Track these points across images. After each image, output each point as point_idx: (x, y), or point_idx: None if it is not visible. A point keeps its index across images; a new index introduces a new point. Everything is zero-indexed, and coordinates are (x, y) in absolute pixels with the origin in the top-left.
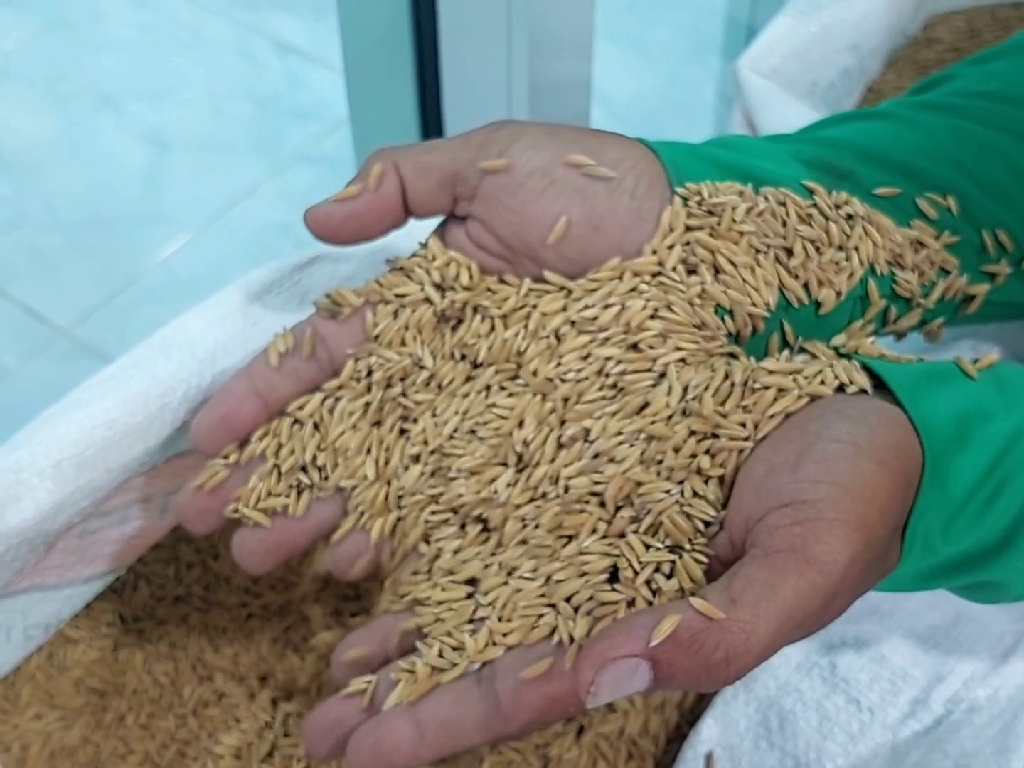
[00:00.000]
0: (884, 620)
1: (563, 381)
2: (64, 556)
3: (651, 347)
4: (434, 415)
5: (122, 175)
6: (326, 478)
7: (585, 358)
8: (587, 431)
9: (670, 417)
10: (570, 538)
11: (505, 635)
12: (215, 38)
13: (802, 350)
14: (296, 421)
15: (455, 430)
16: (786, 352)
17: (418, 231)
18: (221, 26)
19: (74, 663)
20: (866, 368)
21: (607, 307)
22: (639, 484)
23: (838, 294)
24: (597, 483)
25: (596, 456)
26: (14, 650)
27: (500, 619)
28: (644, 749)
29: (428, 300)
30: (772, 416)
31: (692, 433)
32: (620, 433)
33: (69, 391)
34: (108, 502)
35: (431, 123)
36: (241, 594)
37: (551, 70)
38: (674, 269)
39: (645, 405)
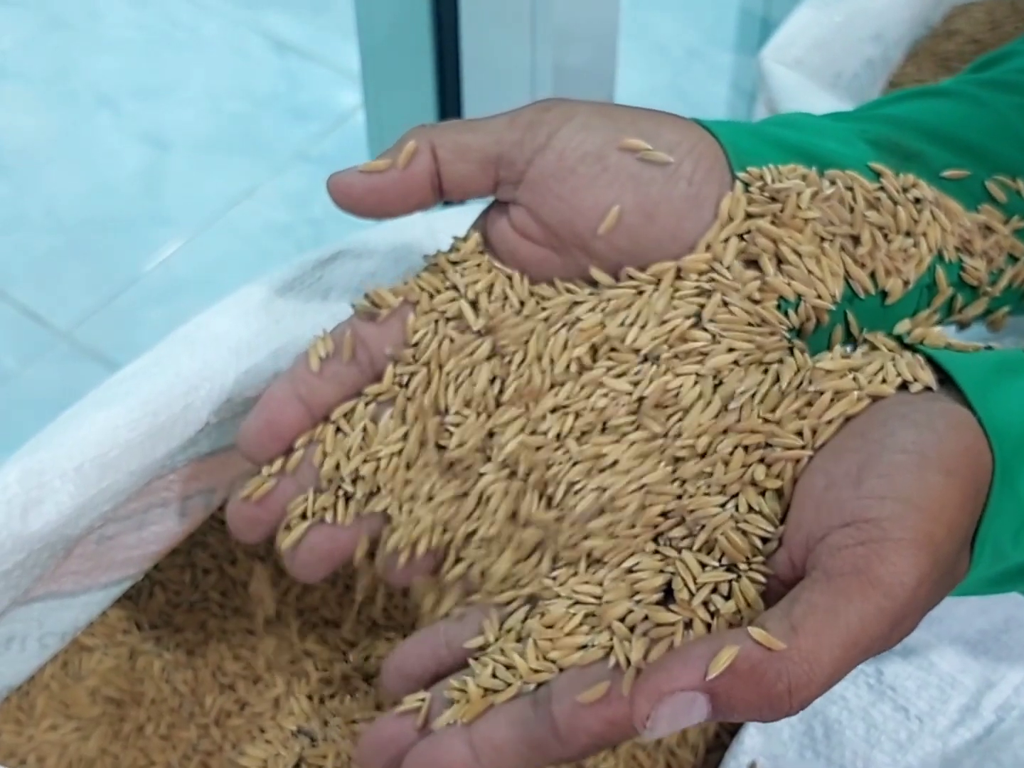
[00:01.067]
0: (932, 626)
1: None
2: (81, 562)
3: (702, 353)
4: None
5: (121, 175)
6: (372, 493)
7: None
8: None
9: (721, 429)
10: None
11: (556, 657)
12: (213, 37)
13: (864, 341)
14: (339, 430)
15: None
16: (845, 348)
17: (442, 232)
18: (219, 25)
19: (90, 672)
20: (931, 360)
21: (643, 326)
22: (681, 498)
23: (906, 283)
24: (644, 505)
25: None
26: (29, 659)
27: (551, 640)
28: (683, 760)
29: (463, 316)
30: (830, 422)
31: (743, 445)
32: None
33: (69, 393)
34: (126, 506)
35: (450, 108)
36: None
37: (575, 60)
38: (729, 267)
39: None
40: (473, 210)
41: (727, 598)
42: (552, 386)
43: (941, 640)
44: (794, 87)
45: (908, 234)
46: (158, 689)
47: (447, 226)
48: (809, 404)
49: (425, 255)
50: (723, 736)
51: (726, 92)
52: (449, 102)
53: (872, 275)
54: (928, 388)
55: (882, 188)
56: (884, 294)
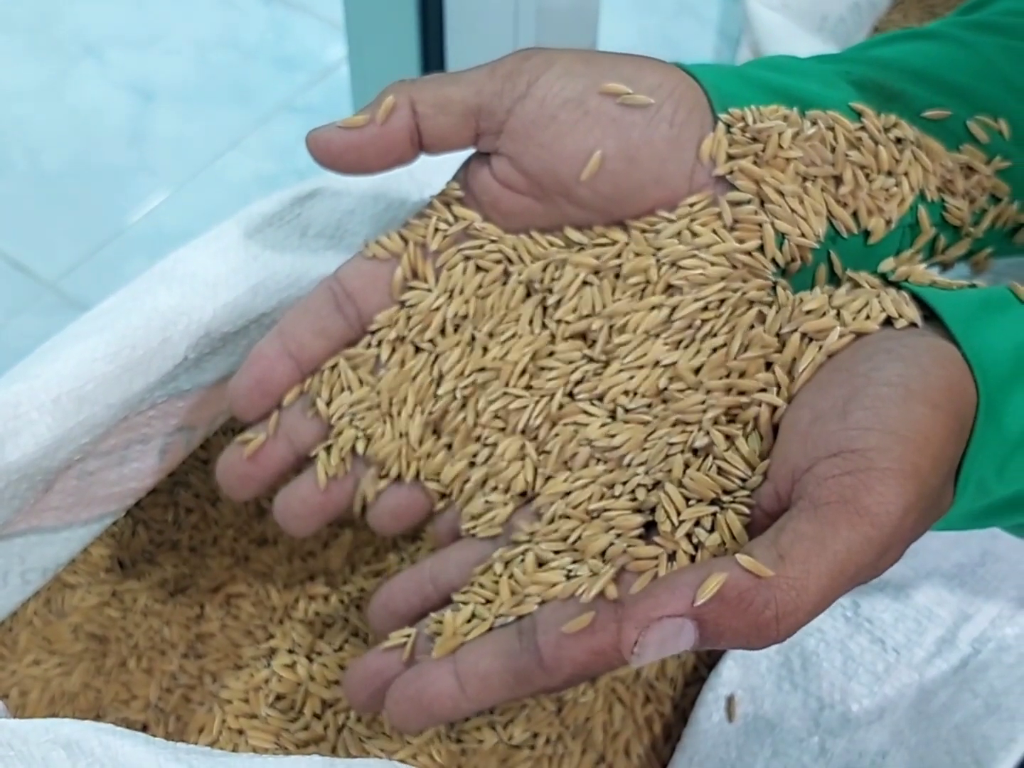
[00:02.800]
0: (909, 559)
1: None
2: (62, 498)
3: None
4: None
5: (106, 125)
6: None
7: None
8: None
9: (697, 372)
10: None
11: (536, 591)
12: None
13: (848, 279)
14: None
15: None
16: (828, 287)
17: (420, 172)
18: None
19: (72, 609)
20: (916, 297)
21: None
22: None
23: (888, 222)
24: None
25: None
26: (11, 595)
27: (532, 573)
28: (662, 692)
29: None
30: (812, 360)
31: (725, 388)
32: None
33: None
34: (106, 442)
35: (432, 57)
36: (244, 541)
37: (559, 5)
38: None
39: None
40: (457, 158)
41: (711, 531)
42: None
43: (918, 573)
44: (779, 29)
45: (890, 174)
46: (139, 626)
47: (425, 166)
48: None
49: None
50: (701, 669)
51: (713, 39)
52: (432, 52)
53: (855, 215)
54: (913, 324)
55: (863, 128)
56: (867, 234)
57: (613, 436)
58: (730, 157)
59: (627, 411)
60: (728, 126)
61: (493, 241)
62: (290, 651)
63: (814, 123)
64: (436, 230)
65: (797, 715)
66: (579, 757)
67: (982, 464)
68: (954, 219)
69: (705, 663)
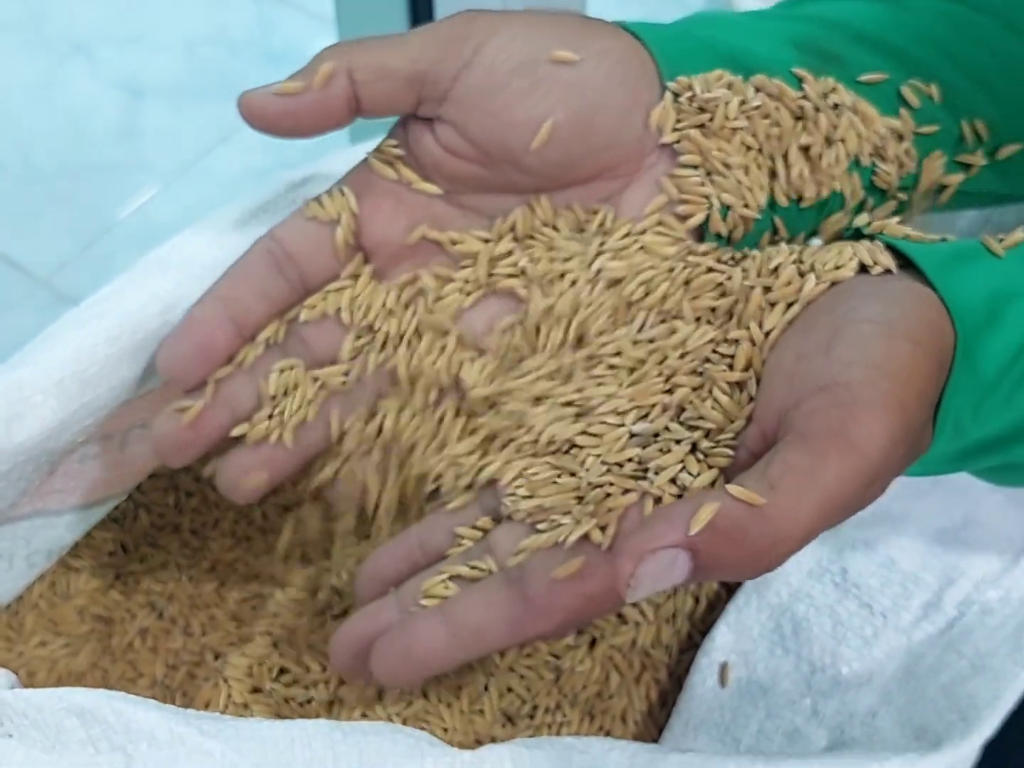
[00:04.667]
0: (895, 524)
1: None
2: (65, 481)
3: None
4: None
5: (96, 122)
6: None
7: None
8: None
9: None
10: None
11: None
12: None
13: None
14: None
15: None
16: (794, 246)
17: None
18: None
19: (77, 591)
20: (891, 248)
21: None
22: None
23: (822, 187)
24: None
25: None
26: (16, 578)
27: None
28: (657, 660)
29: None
30: (790, 305)
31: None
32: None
33: None
34: (109, 425)
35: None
36: (244, 523)
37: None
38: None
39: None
40: None
41: (696, 476)
42: None
43: (902, 538)
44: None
45: (828, 142)
46: (143, 606)
47: None
48: (768, 289)
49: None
50: (695, 636)
51: None
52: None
53: (793, 184)
54: (888, 271)
55: (805, 96)
56: (800, 198)
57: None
58: (677, 127)
59: (611, 367)
60: (676, 95)
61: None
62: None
63: (758, 90)
64: None
65: (789, 678)
66: (577, 725)
67: (959, 405)
68: (882, 183)
69: (699, 630)
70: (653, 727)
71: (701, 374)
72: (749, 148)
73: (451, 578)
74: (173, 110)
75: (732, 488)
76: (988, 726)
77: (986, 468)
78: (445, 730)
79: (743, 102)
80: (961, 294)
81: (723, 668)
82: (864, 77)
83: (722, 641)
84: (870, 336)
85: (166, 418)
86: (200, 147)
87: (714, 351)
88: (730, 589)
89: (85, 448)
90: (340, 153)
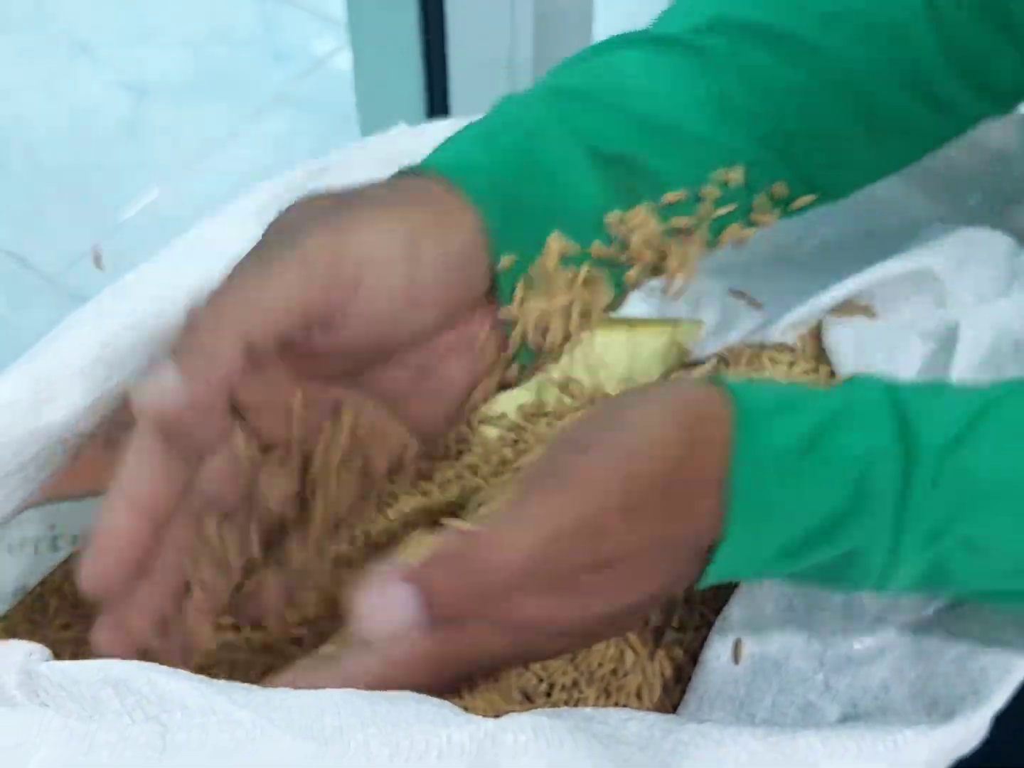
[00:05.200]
0: None
1: None
2: (91, 465)
3: None
4: None
5: (102, 121)
6: None
7: None
8: None
9: None
10: None
11: None
12: None
13: None
14: None
15: None
16: None
17: (425, 136)
18: None
19: None
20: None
21: None
22: None
23: None
24: None
25: None
26: (41, 562)
27: None
28: (671, 638)
29: None
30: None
31: None
32: None
33: None
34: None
35: (434, 46)
36: None
37: None
38: None
39: None
40: (447, 125)
41: None
42: None
43: None
44: None
45: None
46: None
47: (434, 139)
48: None
49: None
50: (708, 615)
51: None
52: (434, 42)
53: None
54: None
55: None
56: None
57: None
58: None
59: None
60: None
61: None
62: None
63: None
64: None
65: (802, 655)
66: (594, 701)
67: (749, 478)
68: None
69: (712, 608)
70: (668, 703)
71: None
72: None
73: None
74: (178, 108)
75: (448, 521)
76: (999, 698)
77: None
78: (465, 708)
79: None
80: (748, 394)
81: (736, 645)
82: (666, 199)
83: (736, 618)
84: (621, 401)
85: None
86: (205, 145)
87: None
88: None
89: (109, 434)
90: (355, 146)
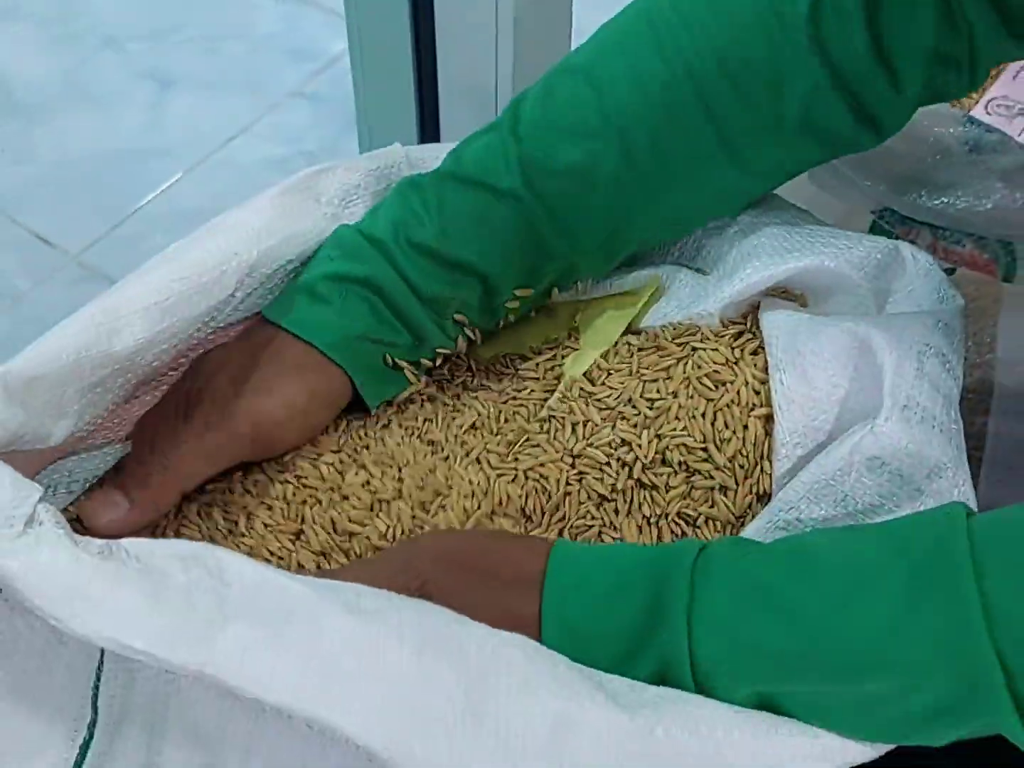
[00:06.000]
0: None
1: None
2: (113, 417)
3: None
4: None
5: (125, 111)
6: None
7: None
8: None
9: None
10: None
11: None
12: None
13: None
14: None
15: None
16: None
17: (416, 157)
18: None
19: None
20: None
21: None
22: None
23: None
24: None
25: None
26: (57, 503)
27: None
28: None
29: None
30: None
31: None
32: None
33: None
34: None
35: (423, 39)
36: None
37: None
38: None
39: None
40: (441, 147)
41: None
42: None
43: None
44: None
45: None
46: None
47: (423, 155)
48: None
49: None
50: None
51: None
52: (423, 36)
53: None
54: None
55: None
56: None
57: None
58: None
59: None
60: None
61: None
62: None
63: None
64: None
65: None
66: None
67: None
68: None
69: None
70: None
71: None
72: None
73: None
74: (197, 101)
75: None
76: None
77: None
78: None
79: None
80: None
81: None
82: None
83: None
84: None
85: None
86: (222, 136)
87: None
88: None
89: (136, 389)
90: (356, 156)
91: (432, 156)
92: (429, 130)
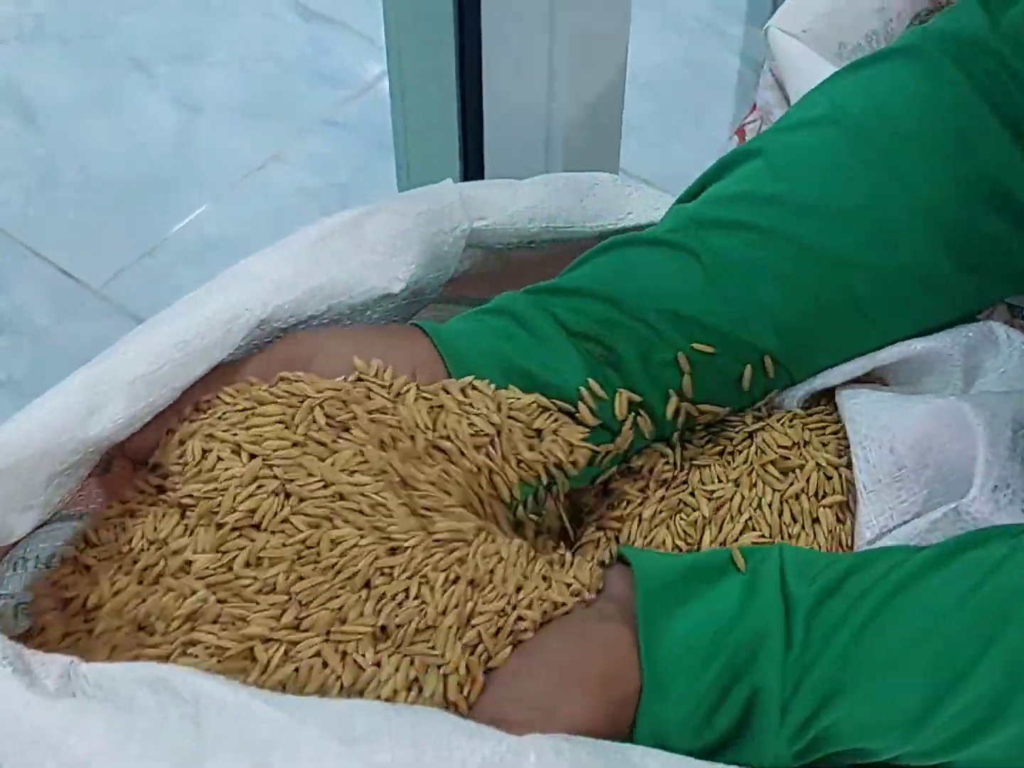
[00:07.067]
0: None
1: None
2: (93, 486)
3: None
4: None
5: (152, 137)
6: None
7: None
8: None
9: None
10: None
11: None
12: (242, 2)
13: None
14: None
15: None
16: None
17: (471, 203)
18: None
19: None
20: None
21: None
22: None
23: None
24: None
25: None
26: (25, 579)
27: None
28: None
29: None
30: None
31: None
32: None
33: (102, 349)
34: None
35: (469, 70)
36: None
37: (590, 27)
38: None
39: None
40: (499, 183)
41: None
42: None
43: None
44: (799, 56)
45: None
46: None
47: (477, 195)
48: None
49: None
50: None
51: (735, 61)
52: (469, 66)
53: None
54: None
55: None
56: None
57: None
58: None
59: None
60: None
61: None
62: None
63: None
64: None
65: None
66: None
67: (652, 733)
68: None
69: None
70: None
71: None
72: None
73: None
74: (226, 127)
75: None
76: None
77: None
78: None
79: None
80: (660, 642)
81: None
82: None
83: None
84: (549, 679)
85: None
86: (252, 163)
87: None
88: None
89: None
90: (405, 194)
91: (487, 196)
92: (472, 161)
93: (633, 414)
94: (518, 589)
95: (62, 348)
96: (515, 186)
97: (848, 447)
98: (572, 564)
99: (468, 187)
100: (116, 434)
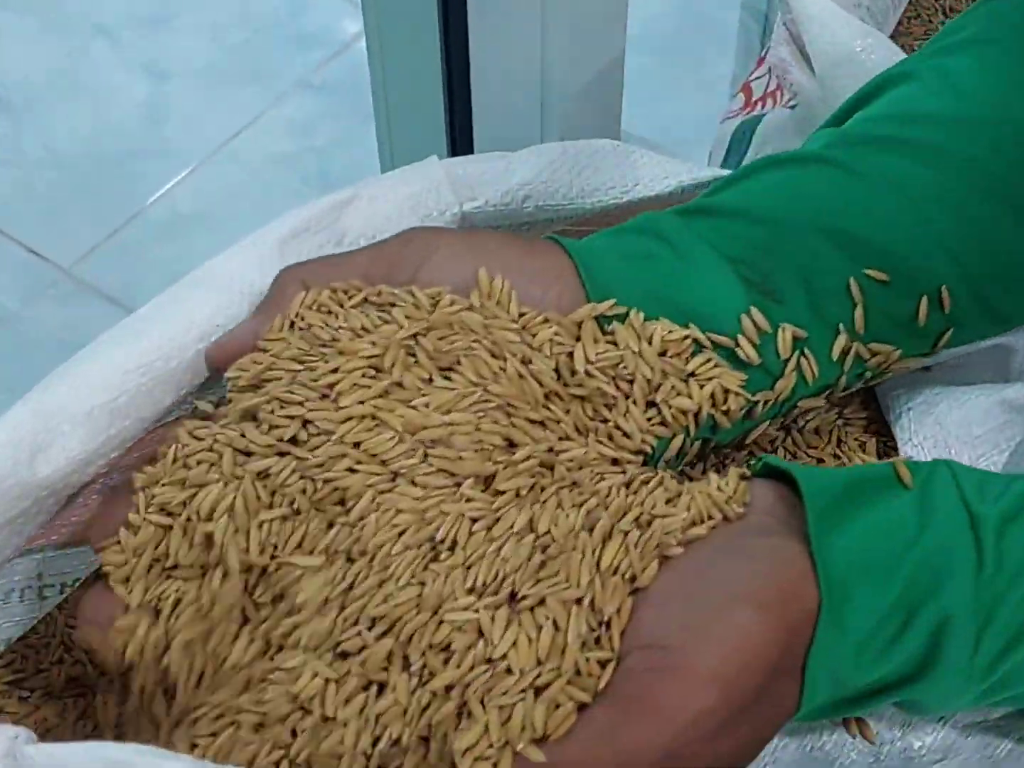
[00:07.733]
0: None
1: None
2: (83, 512)
3: None
4: None
5: (120, 107)
6: None
7: None
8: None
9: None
10: None
11: None
12: None
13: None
14: None
15: None
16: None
17: (460, 183)
18: None
19: None
20: (786, 476)
21: None
22: None
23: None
24: None
25: None
26: (28, 611)
27: None
28: None
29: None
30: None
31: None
32: None
33: (72, 332)
34: (130, 456)
35: (455, 39)
36: None
37: None
38: None
39: None
40: (489, 158)
41: None
42: None
43: None
44: (817, 8)
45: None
46: None
47: (466, 172)
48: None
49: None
50: None
51: (738, 11)
52: (454, 21)
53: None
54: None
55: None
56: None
57: None
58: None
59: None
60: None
61: None
62: None
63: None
64: None
65: (856, 750)
66: None
67: (832, 662)
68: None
69: None
70: None
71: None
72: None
73: None
74: (198, 94)
75: (520, 747)
76: None
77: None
78: None
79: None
80: (836, 550)
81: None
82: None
83: None
84: (708, 600)
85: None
86: (225, 132)
87: None
88: None
89: (106, 480)
90: (386, 175)
91: (477, 172)
92: (460, 123)
93: (797, 352)
94: (658, 504)
95: (31, 332)
96: (507, 159)
97: (891, 445)
98: (715, 479)
99: (456, 163)
100: (72, 475)
